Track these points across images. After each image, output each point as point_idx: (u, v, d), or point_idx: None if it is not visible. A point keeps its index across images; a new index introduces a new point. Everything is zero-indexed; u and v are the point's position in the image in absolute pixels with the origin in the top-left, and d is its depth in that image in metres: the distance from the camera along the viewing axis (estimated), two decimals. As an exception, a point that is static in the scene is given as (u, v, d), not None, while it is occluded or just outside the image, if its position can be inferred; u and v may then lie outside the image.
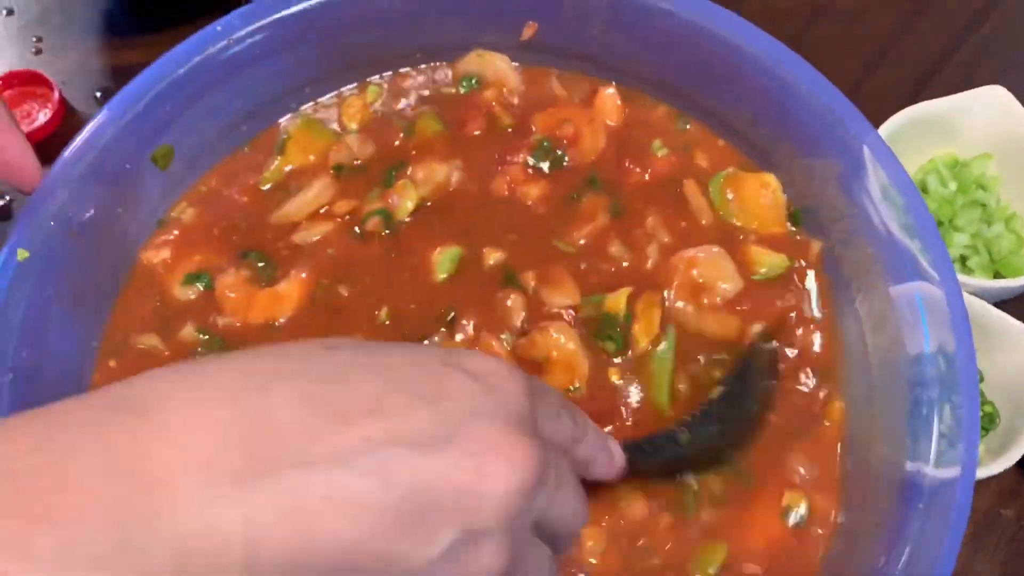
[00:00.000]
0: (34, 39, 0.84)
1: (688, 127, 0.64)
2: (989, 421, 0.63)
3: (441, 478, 0.32)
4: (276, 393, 0.31)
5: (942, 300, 0.50)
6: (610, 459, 0.45)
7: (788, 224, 0.60)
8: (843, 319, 0.57)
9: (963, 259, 0.70)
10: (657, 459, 0.51)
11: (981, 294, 0.64)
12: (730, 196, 0.61)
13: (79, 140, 0.56)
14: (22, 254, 0.52)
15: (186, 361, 0.36)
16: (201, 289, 0.59)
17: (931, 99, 0.71)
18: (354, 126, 0.64)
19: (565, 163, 0.62)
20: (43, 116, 0.79)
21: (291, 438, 0.30)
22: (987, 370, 0.64)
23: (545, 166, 0.62)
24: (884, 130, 0.69)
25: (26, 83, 0.81)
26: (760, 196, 0.60)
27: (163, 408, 0.30)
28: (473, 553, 0.32)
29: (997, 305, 0.64)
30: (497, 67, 0.65)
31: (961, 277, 0.64)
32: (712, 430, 0.53)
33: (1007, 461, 0.59)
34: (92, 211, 0.56)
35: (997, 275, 0.70)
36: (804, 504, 0.53)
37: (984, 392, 0.64)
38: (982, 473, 0.59)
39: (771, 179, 0.60)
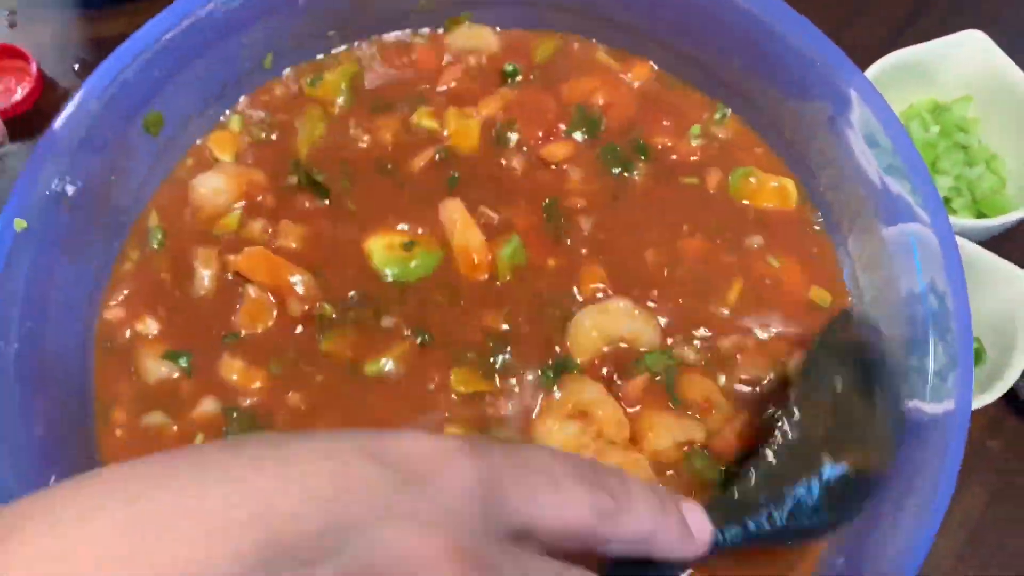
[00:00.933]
0: (7, 12, 0.83)
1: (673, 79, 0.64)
2: (976, 358, 0.65)
3: None
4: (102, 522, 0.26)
5: (933, 240, 0.51)
6: (680, 524, 0.34)
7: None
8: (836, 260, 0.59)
9: (947, 201, 0.72)
10: (767, 512, 0.39)
11: (965, 234, 0.65)
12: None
13: (69, 108, 0.55)
14: (20, 224, 0.51)
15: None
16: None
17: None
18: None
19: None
20: (21, 90, 0.77)
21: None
22: (973, 308, 0.66)
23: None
24: (868, 74, 0.70)
25: (2, 57, 0.79)
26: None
27: (22, 529, 0.26)
28: None
29: (981, 244, 0.66)
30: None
31: (947, 218, 0.65)
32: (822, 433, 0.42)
33: (993, 394, 0.61)
34: (85, 179, 0.55)
35: (980, 215, 0.71)
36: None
37: (971, 329, 0.66)
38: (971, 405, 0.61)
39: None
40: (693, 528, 0.34)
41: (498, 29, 0.66)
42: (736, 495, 0.40)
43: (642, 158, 0.61)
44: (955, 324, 0.50)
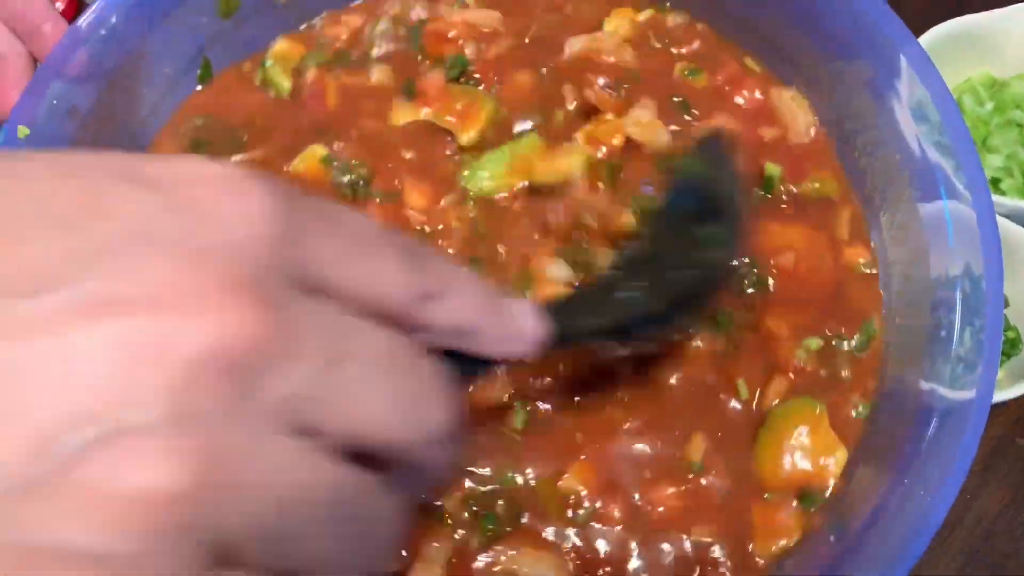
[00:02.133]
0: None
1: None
2: (1011, 346, 0.62)
3: (43, 338, 0.19)
4: None
5: (973, 221, 0.48)
6: (508, 322, 0.30)
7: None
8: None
9: (995, 181, 0.68)
10: (608, 315, 0.38)
11: (1012, 216, 0.62)
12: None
13: (83, 21, 0.53)
14: (22, 131, 0.50)
15: None
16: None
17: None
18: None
19: None
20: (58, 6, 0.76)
21: None
22: (1013, 295, 0.63)
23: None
24: (922, 41, 0.66)
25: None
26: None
27: None
28: (100, 461, 0.19)
29: (1027, 229, 0.62)
30: None
31: (994, 198, 0.62)
32: (668, 258, 0.42)
33: (1024, 388, 0.58)
34: (94, 96, 0.54)
35: (1030, 197, 0.68)
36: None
37: (1008, 317, 0.63)
38: (1000, 396, 0.58)
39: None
40: (524, 326, 0.30)
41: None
42: (574, 299, 0.41)
43: None
44: (987, 310, 0.47)
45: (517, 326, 0.30)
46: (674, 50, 0.61)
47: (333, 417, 0.22)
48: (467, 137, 0.56)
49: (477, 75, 0.59)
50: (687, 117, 0.58)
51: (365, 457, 0.24)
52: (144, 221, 0.21)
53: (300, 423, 0.22)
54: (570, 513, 0.48)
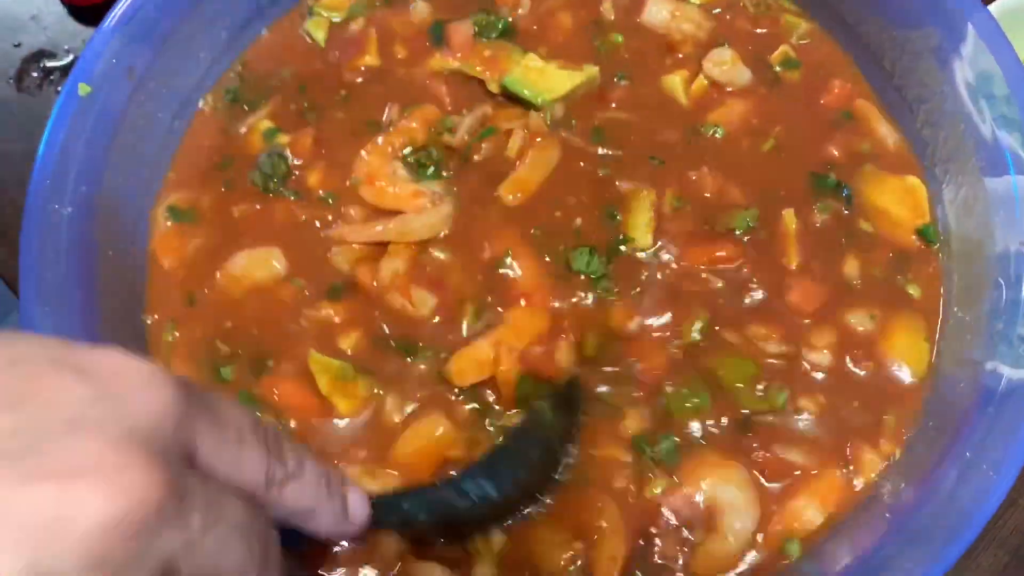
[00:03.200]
0: None
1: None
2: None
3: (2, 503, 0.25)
4: None
5: (1041, 196, 0.47)
6: (340, 509, 0.37)
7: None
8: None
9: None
10: (426, 513, 0.44)
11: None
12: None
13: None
14: (84, 88, 0.51)
15: None
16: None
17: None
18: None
19: None
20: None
21: None
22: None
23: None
24: (992, 10, 0.64)
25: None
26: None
27: None
28: None
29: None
30: None
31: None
32: (499, 480, 0.46)
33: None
34: (150, 57, 0.54)
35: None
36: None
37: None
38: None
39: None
40: (353, 511, 0.38)
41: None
42: (406, 493, 0.47)
43: None
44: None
45: (347, 510, 0.37)
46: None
47: (200, 567, 0.29)
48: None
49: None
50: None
51: None
52: (76, 407, 0.27)
53: (173, 569, 0.28)
54: None
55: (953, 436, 0.46)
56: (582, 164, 0.55)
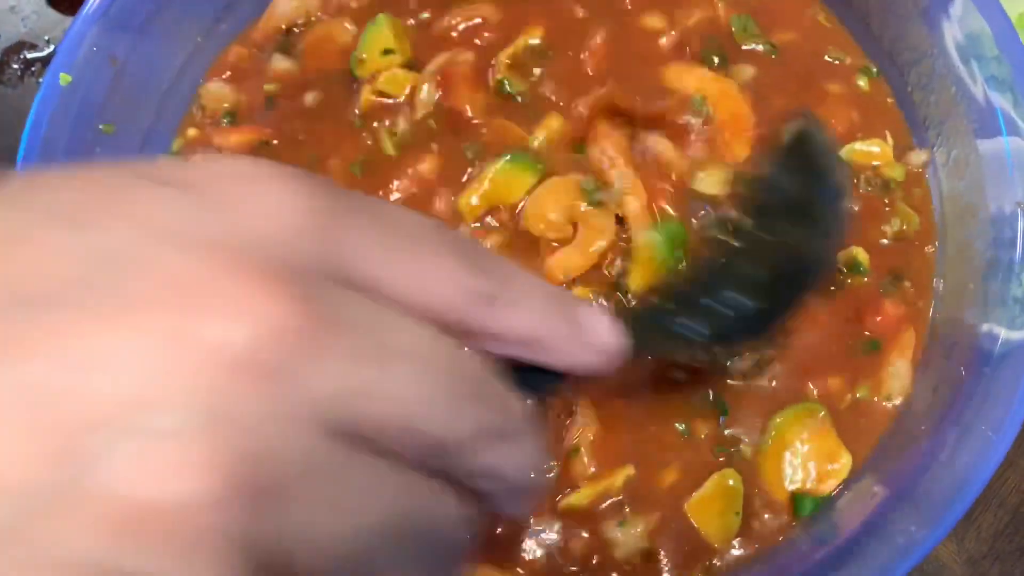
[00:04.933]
0: None
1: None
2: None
3: (74, 351, 0.18)
4: None
5: (1034, 157, 0.47)
6: (581, 333, 0.27)
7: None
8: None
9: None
10: (685, 323, 0.36)
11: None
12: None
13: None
14: (64, 78, 0.50)
15: None
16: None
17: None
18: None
19: None
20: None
21: None
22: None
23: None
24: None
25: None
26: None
27: None
28: (152, 460, 0.18)
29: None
30: None
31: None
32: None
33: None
34: (132, 44, 0.53)
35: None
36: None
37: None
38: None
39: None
40: (597, 337, 0.28)
41: None
42: (653, 305, 0.37)
43: None
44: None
45: (589, 336, 0.27)
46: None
47: (375, 416, 0.20)
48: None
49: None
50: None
51: (429, 469, 0.22)
52: (172, 220, 0.20)
53: (340, 422, 0.20)
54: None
55: (951, 399, 0.46)
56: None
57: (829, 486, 0.48)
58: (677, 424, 0.48)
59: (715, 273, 0.38)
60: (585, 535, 0.47)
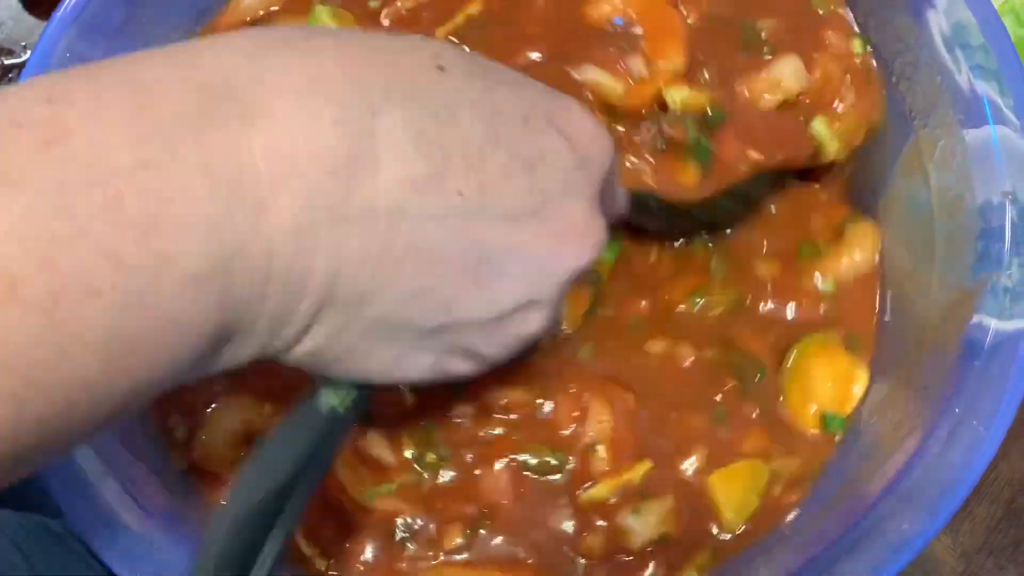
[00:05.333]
0: None
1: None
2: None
3: (519, 249, 0.32)
4: (386, 118, 0.29)
5: (1021, 147, 0.47)
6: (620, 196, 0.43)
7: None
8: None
9: (1035, 106, 0.66)
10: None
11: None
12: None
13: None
14: (37, 85, 0.49)
15: (274, 30, 0.33)
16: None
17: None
18: None
19: None
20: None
21: (391, 179, 0.29)
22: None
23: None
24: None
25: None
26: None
27: (270, 115, 0.27)
28: (523, 318, 0.34)
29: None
30: None
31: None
32: None
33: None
34: (105, 46, 0.52)
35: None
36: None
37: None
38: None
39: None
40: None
41: None
42: None
43: None
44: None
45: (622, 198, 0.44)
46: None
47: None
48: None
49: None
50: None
51: None
52: (567, 172, 0.33)
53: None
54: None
55: (940, 393, 0.46)
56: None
57: (851, 405, 0.51)
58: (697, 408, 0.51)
59: None
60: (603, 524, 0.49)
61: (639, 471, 0.48)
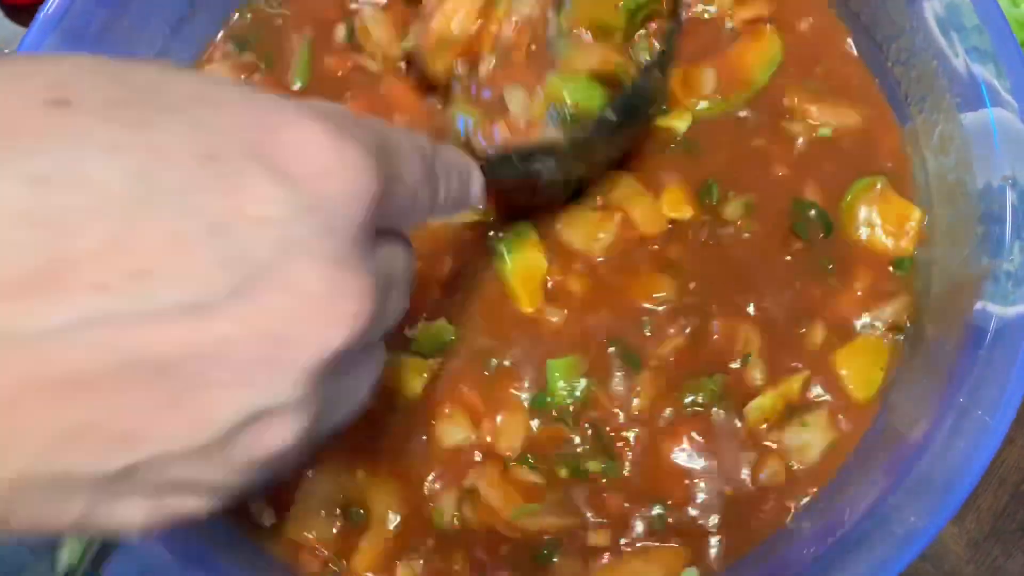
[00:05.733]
0: None
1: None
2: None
3: (220, 347, 0.22)
4: None
5: (1020, 129, 0.46)
6: (468, 190, 0.37)
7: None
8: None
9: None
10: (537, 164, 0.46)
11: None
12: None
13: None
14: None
15: None
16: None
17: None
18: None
19: None
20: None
21: None
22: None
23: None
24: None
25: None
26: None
27: None
28: (257, 434, 0.24)
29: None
30: None
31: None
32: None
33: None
34: (88, 52, 0.52)
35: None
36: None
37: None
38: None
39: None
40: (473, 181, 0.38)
41: None
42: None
43: None
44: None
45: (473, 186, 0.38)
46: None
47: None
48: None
49: None
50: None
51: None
52: (282, 224, 0.23)
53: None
54: None
55: (945, 382, 0.45)
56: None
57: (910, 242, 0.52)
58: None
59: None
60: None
61: (797, 381, 0.50)
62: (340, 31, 0.57)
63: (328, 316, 0.24)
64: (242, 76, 0.57)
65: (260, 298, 0.23)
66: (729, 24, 0.56)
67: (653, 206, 0.52)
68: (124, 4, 0.53)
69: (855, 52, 0.55)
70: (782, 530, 0.48)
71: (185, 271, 0.22)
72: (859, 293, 0.51)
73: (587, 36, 0.47)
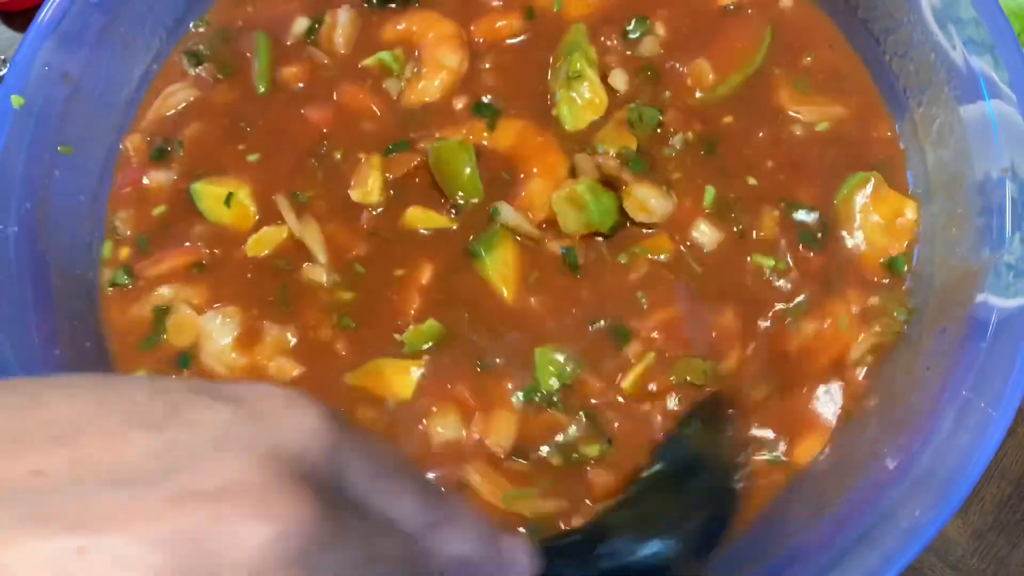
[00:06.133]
0: None
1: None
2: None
3: (147, 527, 0.22)
4: None
5: (1019, 120, 0.46)
6: (504, 557, 0.33)
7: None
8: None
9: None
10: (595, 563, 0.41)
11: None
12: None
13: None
14: (17, 101, 0.48)
15: None
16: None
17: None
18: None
19: None
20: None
21: None
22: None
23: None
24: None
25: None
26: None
27: None
28: None
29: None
30: None
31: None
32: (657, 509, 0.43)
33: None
34: (84, 60, 0.52)
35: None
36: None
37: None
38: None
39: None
40: (517, 562, 0.34)
41: None
42: (567, 540, 0.43)
43: None
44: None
45: (511, 561, 0.33)
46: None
47: None
48: None
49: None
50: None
51: None
52: (221, 427, 0.25)
53: None
54: None
55: (947, 375, 0.45)
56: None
57: (905, 240, 0.52)
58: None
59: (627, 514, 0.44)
60: None
61: None
62: (300, 24, 0.57)
63: (259, 506, 0.24)
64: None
65: (191, 479, 0.24)
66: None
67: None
68: (119, 8, 0.53)
69: (850, 46, 0.55)
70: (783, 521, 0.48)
71: (116, 457, 0.24)
72: (857, 290, 0.52)
73: None
